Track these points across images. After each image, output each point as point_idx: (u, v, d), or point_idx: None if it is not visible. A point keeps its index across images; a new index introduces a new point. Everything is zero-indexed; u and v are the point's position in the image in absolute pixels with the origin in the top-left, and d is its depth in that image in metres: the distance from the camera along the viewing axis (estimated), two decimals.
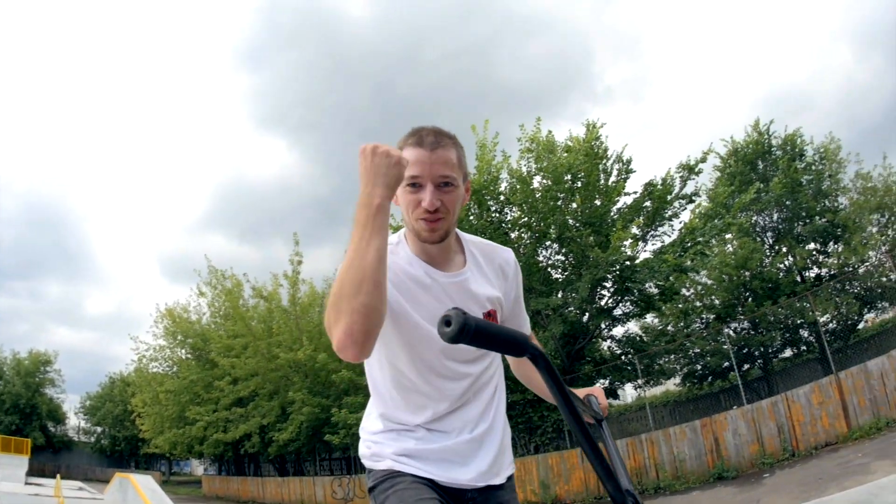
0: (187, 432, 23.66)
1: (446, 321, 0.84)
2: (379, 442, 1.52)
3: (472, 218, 12.39)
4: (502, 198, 12.59)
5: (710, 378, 17.74)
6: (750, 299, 15.62)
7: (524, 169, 12.48)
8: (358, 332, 1.13)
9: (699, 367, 17.45)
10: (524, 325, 1.66)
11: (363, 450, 1.56)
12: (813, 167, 16.25)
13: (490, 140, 12.73)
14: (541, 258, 13.28)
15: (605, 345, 15.10)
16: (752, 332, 16.26)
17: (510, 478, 1.58)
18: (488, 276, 1.54)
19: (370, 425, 1.58)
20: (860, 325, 18.39)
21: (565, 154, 12.24)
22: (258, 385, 20.10)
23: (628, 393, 19.76)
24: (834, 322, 16.89)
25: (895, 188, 17.64)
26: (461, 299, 1.45)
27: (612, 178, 12.71)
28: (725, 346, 14.98)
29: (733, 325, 16.13)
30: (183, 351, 26.10)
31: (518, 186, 12.30)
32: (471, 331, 0.83)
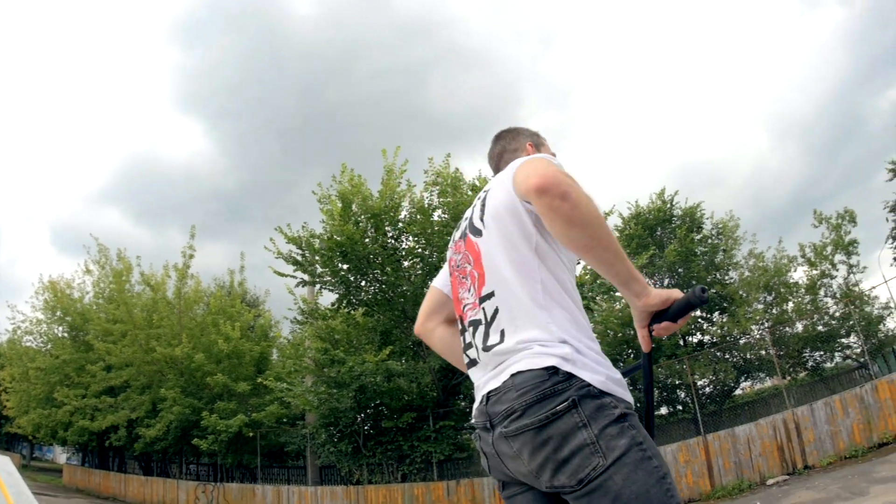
0: (53, 415, 22.05)
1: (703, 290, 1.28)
2: (610, 367, 1.40)
3: (367, 240, 12.21)
4: (400, 225, 12.49)
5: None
6: (632, 356, 16.18)
7: (426, 201, 12.45)
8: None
9: None
10: None
11: (592, 366, 1.34)
12: (709, 240, 17.14)
13: (398, 167, 12.67)
14: None
15: None
16: (631, 388, 16.73)
17: None
18: None
19: (590, 341, 1.42)
20: (736, 392, 19.41)
21: (470, 192, 12.31)
22: (131, 376, 18.98)
23: None
24: (710, 386, 17.75)
25: (784, 271, 18.88)
26: None
27: None
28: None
29: None
30: (60, 328, 24.33)
31: (418, 217, 12.24)
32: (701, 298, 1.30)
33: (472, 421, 1.52)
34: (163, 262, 22.17)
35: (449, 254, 1.72)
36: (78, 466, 30.43)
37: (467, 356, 1.58)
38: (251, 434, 16.23)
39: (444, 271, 1.77)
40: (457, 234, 1.69)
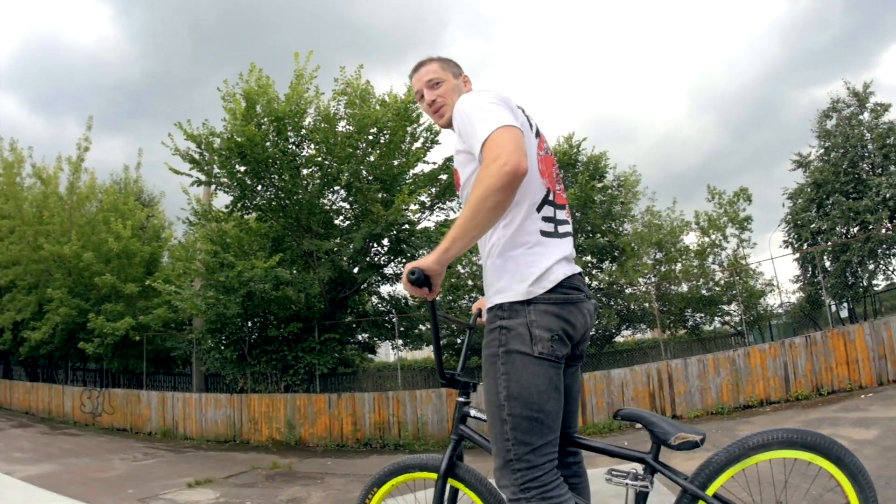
0: None
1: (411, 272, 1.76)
2: None
3: (268, 143, 11.95)
4: (304, 131, 12.27)
5: (470, 354, 18.56)
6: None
7: (333, 110, 12.26)
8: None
9: (459, 341, 18.37)
10: (472, 147, 1.84)
11: None
12: (609, 190, 17.78)
13: (309, 72, 12.35)
14: (326, 201, 13.16)
15: (372, 300, 15.37)
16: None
17: (490, 310, 1.91)
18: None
19: None
20: (616, 339, 20.43)
21: (378, 107, 12.20)
22: (18, 275, 18.02)
23: (389, 352, 20.30)
24: (592, 331, 18.57)
25: (678, 232, 19.91)
26: None
27: (417, 144, 12.87)
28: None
29: None
30: None
31: (322, 125, 12.06)
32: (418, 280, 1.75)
33: (574, 286, 1.88)
34: (61, 153, 20.79)
35: (530, 132, 1.96)
36: None
37: (562, 228, 1.95)
38: (138, 338, 15.85)
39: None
40: (532, 126, 1.99)
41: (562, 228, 1.93)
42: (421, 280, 1.68)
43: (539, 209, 1.87)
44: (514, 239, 1.84)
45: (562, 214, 1.96)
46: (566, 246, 1.92)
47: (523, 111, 1.95)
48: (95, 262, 16.10)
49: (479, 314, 2.45)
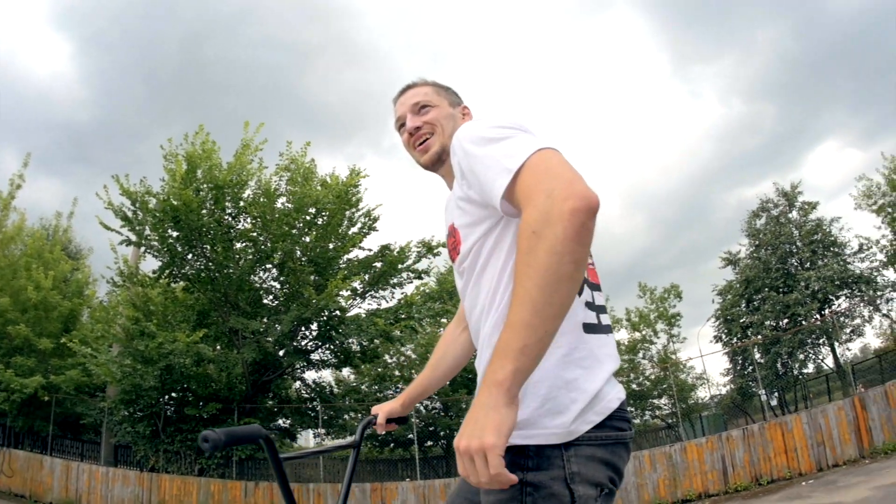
0: None
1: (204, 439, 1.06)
2: None
3: (204, 211, 11.65)
4: (241, 204, 12.05)
5: (392, 445, 18.27)
6: (449, 383, 16.55)
7: (273, 185, 12.13)
8: None
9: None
10: (492, 187, 1.18)
11: None
12: None
13: (256, 143, 12.26)
14: (256, 278, 12.85)
15: (296, 385, 14.88)
16: (442, 413, 17.21)
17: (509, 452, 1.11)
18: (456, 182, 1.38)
19: None
20: None
21: (319, 187, 12.13)
22: None
23: (311, 440, 19.65)
24: None
25: None
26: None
27: (354, 229, 12.79)
28: (413, 420, 15.67)
29: (426, 401, 16.92)
30: None
31: (262, 199, 11.88)
32: (214, 447, 1.06)
33: (626, 416, 1.31)
34: None
35: None
36: None
37: (604, 319, 1.37)
38: (47, 398, 14.83)
39: None
40: None
41: (604, 319, 1.36)
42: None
43: (579, 292, 1.28)
44: None
45: (600, 298, 1.40)
46: (612, 348, 1.34)
47: None
48: (11, 309, 15.13)
49: (372, 421, 1.82)
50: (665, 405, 19.62)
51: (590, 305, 1.32)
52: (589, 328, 1.28)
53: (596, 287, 1.41)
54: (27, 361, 15.13)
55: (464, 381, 16.22)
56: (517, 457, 1.20)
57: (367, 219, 12.78)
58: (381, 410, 1.83)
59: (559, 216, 1.01)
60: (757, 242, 22.81)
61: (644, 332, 19.67)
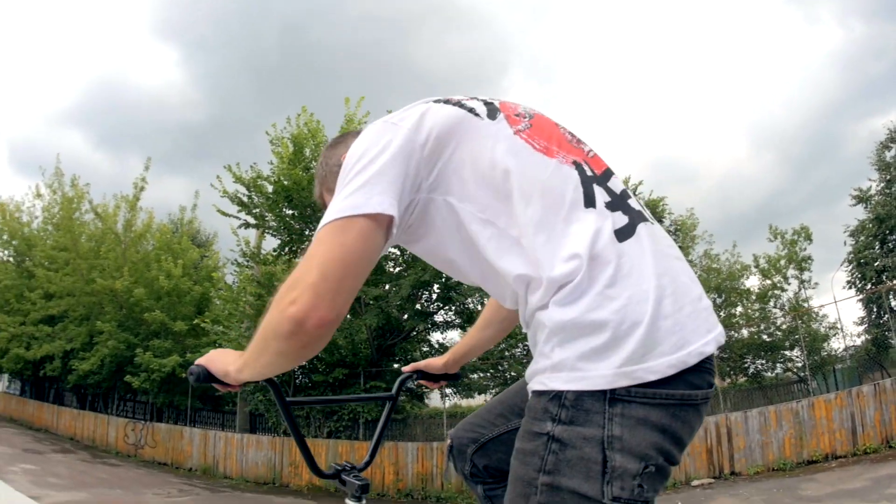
0: None
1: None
2: None
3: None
4: None
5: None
6: None
7: None
8: None
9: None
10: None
11: None
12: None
13: (359, 117, 12.33)
14: None
15: (424, 349, 15.07)
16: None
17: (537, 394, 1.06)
18: None
19: None
20: None
21: None
22: (70, 306, 18.52)
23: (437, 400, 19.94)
24: None
25: (737, 276, 19.10)
26: None
27: None
28: None
29: None
30: (5, 253, 23.64)
31: None
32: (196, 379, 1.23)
33: (709, 367, 1.06)
34: (121, 191, 21.53)
35: (481, 119, 1.20)
36: (14, 395, 29.82)
37: (631, 215, 1.12)
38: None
39: None
40: (490, 104, 1.25)
41: (634, 207, 1.13)
42: (201, 380, 1.22)
43: (589, 203, 1.07)
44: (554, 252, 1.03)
45: (617, 185, 1.15)
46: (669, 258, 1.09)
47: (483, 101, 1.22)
48: (146, 298, 16.40)
49: (411, 377, 1.77)
50: (797, 357, 18.36)
51: (611, 205, 1.09)
52: (623, 234, 1.05)
53: (606, 177, 1.15)
54: (164, 343, 16.34)
55: None
56: (551, 404, 1.01)
57: None
58: (420, 367, 1.78)
59: (279, 314, 0.98)
60: (888, 177, 20.67)
61: (775, 279, 18.39)
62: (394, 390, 1.70)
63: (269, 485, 13.02)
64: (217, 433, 14.89)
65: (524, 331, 1.14)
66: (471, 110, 1.17)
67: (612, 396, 0.97)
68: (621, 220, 1.08)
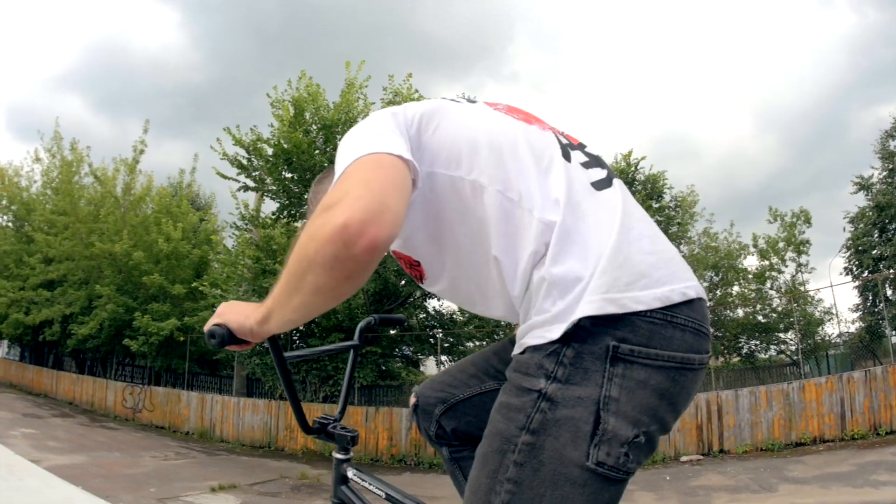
0: None
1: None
2: None
3: (316, 151, 11.90)
4: None
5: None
6: None
7: None
8: None
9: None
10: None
11: None
12: (666, 210, 17.20)
13: (360, 81, 12.30)
14: None
15: (421, 316, 15.18)
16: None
17: (530, 350, 1.05)
18: None
19: None
20: None
21: None
22: (69, 270, 18.57)
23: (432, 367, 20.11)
24: None
25: (735, 255, 19.16)
26: None
27: None
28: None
29: None
30: (4, 218, 23.65)
31: None
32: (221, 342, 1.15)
33: (704, 328, 1.07)
34: (120, 154, 21.48)
35: (468, 104, 1.32)
36: (14, 361, 30.02)
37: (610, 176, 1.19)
38: (182, 339, 16.06)
39: None
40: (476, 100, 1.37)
41: (613, 174, 1.19)
42: (225, 342, 1.13)
43: (567, 159, 1.13)
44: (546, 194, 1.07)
45: (593, 152, 1.23)
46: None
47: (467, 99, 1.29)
48: (145, 261, 16.43)
49: (370, 322, 1.80)
50: (791, 340, 18.47)
51: (588, 164, 1.16)
52: (601, 185, 1.12)
53: (582, 146, 1.22)
54: (162, 307, 16.41)
55: None
56: (548, 360, 0.99)
57: None
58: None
59: (320, 231, 0.88)
60: (891, 166, 20.64)
61: (772, 261, 18.48)
62: (355, 337, 1.74)
63: (264, 448, 13.15)
64: (214, 397, 15.00)
65: (517, 309, 1.10)
66: (451, 100, 1.24)
67: (613, 355, 0.96)
68: (599, 174, 1.15)
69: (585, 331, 0.97)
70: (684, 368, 1.01)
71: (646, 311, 0.98)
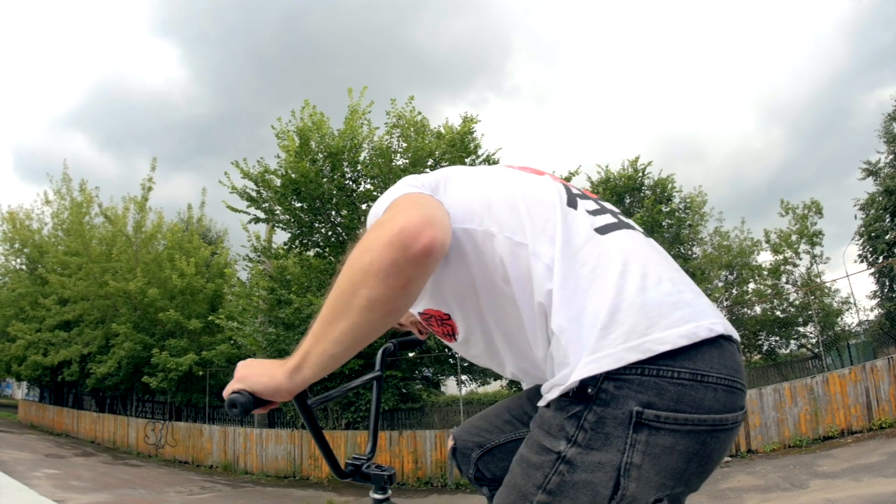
0: (7, 349, 21.74)
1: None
2: None
3: (324, 180, 11.94)
4: (359, 167, 12.22)
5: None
6: None
7: (387, 144, 12.19)
8: None
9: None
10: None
11: None
12: (676, 213, 17.15)
13: (363, 107, 12.36)
14: None
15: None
16: None
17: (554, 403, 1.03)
18: None
19: None
20: None
21: (434, 139, 12.06)
22: (85, 310, 18.69)
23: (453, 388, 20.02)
24: None
25: (748, 252, 19.04)
26: None
27: None
28: None
29: None
30: (18, 261, 23.85)
31: (378, 160, 11.99)
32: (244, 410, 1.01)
33: (738, 383, 1.02)
34: (128, 193, 21.77)
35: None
36: (33, 402, 30.14)
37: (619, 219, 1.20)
38: (201, 373, 16.09)
39: None
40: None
41: (622, 222, 1.19)
42: (249, 409, 1.02)
43: (573, 206, 1.15)
44: (568, 249, 1.05)
45: (602, 202, 1.25)
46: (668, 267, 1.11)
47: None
48: (160, 298, 16.53)
49: (389, 348, 1.76)
50: (811, 333, 18.30)
51: (595, 212, 1.16)
52: (607, 230, 1.11)
53: (589, 197, 1.23)
54: (180, 342, 16.47)
55: None
56: (569, 422, 0.96)
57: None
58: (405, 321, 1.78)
59: (378, 237, 0.89)
60: None
61: (786, 255, 18.36)
62: (377, 367, 1.69)
63: (289, 478, 13.11)
64: (236, 429, 14.99)
65: (542, 367, 1.09)
66: (464, 167, 1.29)
67: (637, 420, 0.92)
68: (606, 220, 1.14)
69: (608, 393, 0.93)
70: (716, 430, 0.96)
71: (673, 370, 0.93)
